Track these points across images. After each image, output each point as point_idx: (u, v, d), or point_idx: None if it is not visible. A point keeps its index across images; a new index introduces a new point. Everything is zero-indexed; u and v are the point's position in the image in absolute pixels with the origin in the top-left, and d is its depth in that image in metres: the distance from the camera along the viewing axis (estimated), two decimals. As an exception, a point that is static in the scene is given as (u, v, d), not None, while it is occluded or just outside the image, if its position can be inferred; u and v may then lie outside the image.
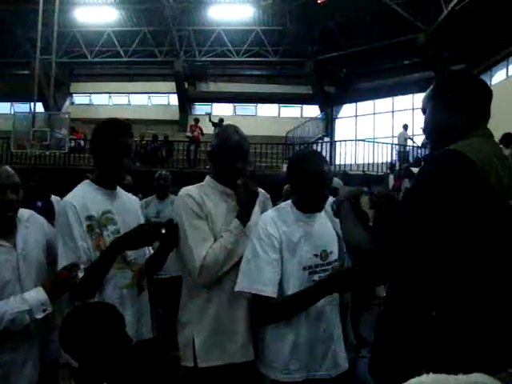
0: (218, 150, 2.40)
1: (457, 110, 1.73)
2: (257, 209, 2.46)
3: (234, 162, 2.35)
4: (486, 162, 1.56)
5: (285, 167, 16.25)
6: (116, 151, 2.33)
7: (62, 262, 2.16)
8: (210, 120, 17.24)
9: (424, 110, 1.87)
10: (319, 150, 17.60)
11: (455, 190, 1.53)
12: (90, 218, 2.26)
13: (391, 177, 14.20)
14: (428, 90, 1.86)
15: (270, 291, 2.16)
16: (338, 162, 17.54)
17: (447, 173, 1.56)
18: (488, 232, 1.57)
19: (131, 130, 2.46)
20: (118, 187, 2.51)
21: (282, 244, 2.24)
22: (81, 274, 2.13)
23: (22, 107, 21.10)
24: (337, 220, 2.22)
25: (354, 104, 21.10)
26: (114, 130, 2.38)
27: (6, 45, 19.33)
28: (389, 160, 15.92)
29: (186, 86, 21.80)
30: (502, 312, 1.59)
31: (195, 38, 20.56)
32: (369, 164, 15.94)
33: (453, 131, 1.72)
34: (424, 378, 0.71)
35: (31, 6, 17.26)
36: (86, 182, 2.42)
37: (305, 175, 2.27)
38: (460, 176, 1.54)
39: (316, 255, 2.29)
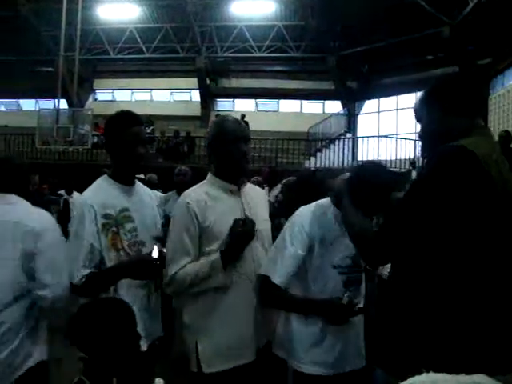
0: (215, 137, 2.37)
1: (451, 113, 1.77)
2: (264, 204, 2.53)
3: (233, 144, 2.30)
4: (487, 155, 1.62)
5: (307, 163, 16.25)
6: (127, 140, 2.32)
7: (69, 262, 2.24)
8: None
9: (419, 118, 1.90)
10: (341, 146, 17.52)
11: (459, 181, 1.59)
12: (106, 216, 2.26)
13: (414, 173, 14.05)
14: (419, 98, 1.90)
15: (278, 280, 2.23)
16: (360, 159, 17.44)
17: (452, 165, 1.61)
18: (490, 223, 1.62)
19: (140, 118, 2.47)
20: (137, 181, 2.51)
21: (315, 241, 2.26)
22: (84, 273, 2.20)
23: (47, 104, 21.35)
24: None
25: (376, 100, 20.89)
26: (122, 120, 2.39)
27: (30, 43, 19.55)
28: (412, 156, 15.75)
29: (208, 81, 21.82)
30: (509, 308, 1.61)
31: (217, 34, 20.55)
32: (391, 160, 15.80)
33: (450, 134, 1.74)
34: (424, 377, 0.68)
35: (55, 5, 17.41)
36: (104, 177, 2.41)
37: (371, 188, 2.21)
38: (464, 168, 1.59)
39: (349, 257, 2.29)
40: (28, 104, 23.68)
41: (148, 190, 2.64)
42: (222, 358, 2.24)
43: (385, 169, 2.44)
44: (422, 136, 1.90)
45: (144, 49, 21.07)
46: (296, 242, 2.25)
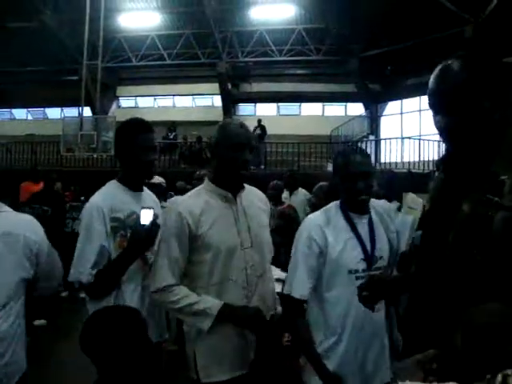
0: (217, 142, 2.37)
1: (498, 103, 1.55)
2: (264, 209, 2.52)
3: (233, 150, 2.29)
4: None
5: (330, 166, 16.16)
6: (136, 147, 2.36)
7: (79, 262, 2.30)
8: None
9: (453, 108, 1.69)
10: (364, 148, 17.40)
11: None
12: (116, 219, 2.31)
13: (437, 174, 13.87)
14: (458, 82, 1.63)
15: (298, 295, 2.24)
16: (383, 161, 17.31)
17: None
18: None
19: (149, 125, 2.47)
20: (145, 188, 2.56)
21: (328, 248, 2.23)
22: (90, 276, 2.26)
23: (72, 112, 21.66)
24: (392, 226, 2.34)
25: (399, 101, 20.71)
26: (131, 127, 2.42)
27: (54, 52, 19.87)
28: (435, 157, 15.57)
29: (230, 86, 21.89)
30: None
31: (237, 39, 20.62)
32: (415, 162, 15.65)
33: (495, 125, 1.56)
34: None
35: (78, 15, 17.69)
36: (113, 182, 2.45)
37: (336, 173, 2.33)
38: None
39: (363, 259, 2.24)
40: (53, 112, 24.07)
41: (154, 197, 2.68)
42: (219, 368, 2.22)
43: (356, 151, 2.41)
44: (458, 127, 1.59)
45: (165, 55, 21.24)
46: (306, 255, 2.24)
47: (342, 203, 2.33)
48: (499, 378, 0.56)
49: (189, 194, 2.41)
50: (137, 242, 2.28)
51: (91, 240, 2.26)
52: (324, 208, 2.40)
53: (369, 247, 2.26)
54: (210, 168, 2.44)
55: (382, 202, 2.65)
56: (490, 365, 1.27)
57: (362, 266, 2.23)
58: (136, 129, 2.40)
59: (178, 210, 2.26)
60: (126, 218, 2.33)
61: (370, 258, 2.24)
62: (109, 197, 2.35)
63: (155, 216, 2.30)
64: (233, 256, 2.24)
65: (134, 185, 2.44)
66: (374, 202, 2.40)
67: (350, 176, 2.23)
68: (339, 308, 2.23)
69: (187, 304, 2.18)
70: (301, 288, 2.24)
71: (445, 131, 1.61)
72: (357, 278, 2.20)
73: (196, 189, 2.43)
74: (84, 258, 2.26)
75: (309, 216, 2.43)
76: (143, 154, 2.37)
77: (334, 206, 2.36)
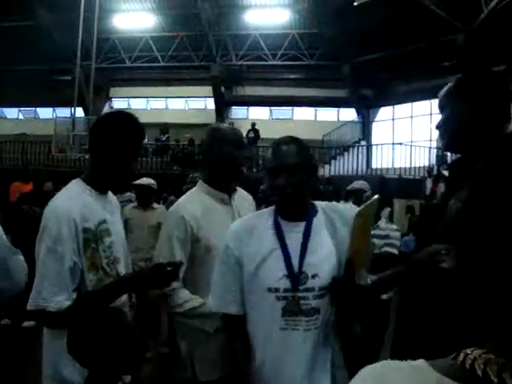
0: (212, 143, 2.36)
1: (484, 112, 1.71)
2: (252, 209, 2.48)
3: (230, 149, 2.31)
4: None
5: (322, 171, 16.23)
6: (130, 155, 2.03)
7: (42, 282, 1.82)
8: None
9: (442, 108, 1.84)
10: (356, 153, 17.47)
11: None
12: (87, 230, 1.91)
13: (429, 181, 13.96)
14: (448, 89, 1.84)
15: (213, 306, 1.95)
16: (374, 166, 17.39)
17: None
18: None
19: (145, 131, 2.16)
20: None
21: (243, 259, 1.86)
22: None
23: (64, 112, 21.59)
24: (343, 239, 1.85)
25: (391, 107, 20.84)
26: (131, 132, 2.04)
27: (48, 52, 19.80)
28: (427, 164, 15.67)
29: (223, 90, 21.91)
30: None
31: (232, 43, 20.67)
32: (406, 168, 15.72)
33: (481, 133, 1.70)
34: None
35: (72, 15, 17.66)
36: (77, 182, 2.04)
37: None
38: None
39: (286, 276, 1.80)
40: (45, 112, 23.96)
41: (115, 199, 2.26)
42: (217, 366, 2.20)
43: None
44: (448, 129, 1.82)
45: (159, 57, 21.24)
46: (222, 260, 1.93)
47: (276, 207, 1.95)
48: (461, 357, 0.58)
49: (186, 196, 2.39)
50: (152, 279, 1.99)
51: (62, 257, 1.82)
52: (258, 212, 2.17)
53: (296, 262, 1.81)
54: (204, 170, 2.43)
55: (343, 207, 2.44)
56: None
57: (285, 284, 1.79)
58: (135, 135, 2.05)
59: (181, 214, 2.24)
60: (97, 228, 1.95)
61: (295, 275, 1.79)
62: (77, 202, 1.93)
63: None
64: None
65: (103, 187, 2.05)
66: (331, 205, 2.03)
67: (270, 171, 1.85)
68: (259, 332, 1.86)
69: (191, 307, 2.19)
70: (216, 299, 1.93)
71: (437, 127, 1.85)
72: (278, 299, 1.79)
73: (192, 191, 2.40)
74: (52, 281, 1.80)
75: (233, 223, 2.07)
76: (134, 163, 2.05)
77: (269, 210, 1.96)
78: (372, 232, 4.60)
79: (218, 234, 2.19)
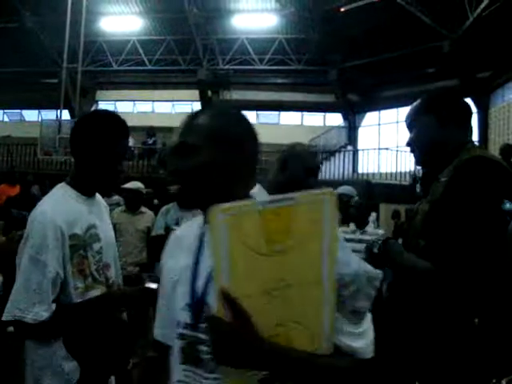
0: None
1: (450, 125, 1.80)
2: None
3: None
4: (503, 163, 1.67)
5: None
6: (115, 155, 1.94)
7: (21, 292, 1.74)
8: None
9: (410, 125, 1.92)
10: (342, 158, 17.55)
11: (500, 192, 1.59)
12: (74, 236, 1.84)
13: (418, 186, 14.03)
14: (416, 106, 1.92)
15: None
16: (360, 171, 17.48)
17: (493, 176, 1.62)
18: None
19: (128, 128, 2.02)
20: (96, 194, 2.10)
21: (163, 278, 1.39)
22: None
23: (50, 115, 21.43)
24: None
25: (377, 112, 20.97)
26: (117, 130, 1.96)
27: (34, 55, 19.69)
28: (412, 169, 15.77)
29: (210, 94, 21.90)
30: None
31: (219, 47, 20.69)
32: (392, 173, 15.82)
33: (447, 145, 1.79)
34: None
35: (59, 17, 17.57)
36: (62, 186, 1.98)
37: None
38: (499, 179, 1.61)
39: (189, 306, 1.23)
40: (31, 115, 23.79)
41: (103, 201, 2.16)
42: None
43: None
44: (416, 145, 1.91)
45: (146, 61, 21.20)
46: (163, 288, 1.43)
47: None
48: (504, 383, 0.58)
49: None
50: (130, 299, 1.89)
51: (44, 268, 1.74)
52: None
53: (200, 285, 1.21)
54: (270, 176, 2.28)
55: None
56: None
57: (186, 317, 1.23)
58: (119, 132, 1.96)
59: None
60: (85, 234, 1.88)
61: (195, 304, 1.21)
62: (63, 208, 1.85)
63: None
64: None
65: (89, 190, 1.98)
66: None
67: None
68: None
69: None
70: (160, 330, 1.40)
71: (407, 144, 1.95)
72: (178, 337, 1.25)
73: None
74: (31, 292, 1.73)
75: None
76: (119, 164, 1.95)
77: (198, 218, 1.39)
78: (359, 237, 4.61)
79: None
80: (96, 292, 1.88)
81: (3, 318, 1.75)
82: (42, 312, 1.71)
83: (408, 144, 1.94)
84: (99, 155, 1.90)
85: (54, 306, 1.75)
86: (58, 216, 1.80)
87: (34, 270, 1.74)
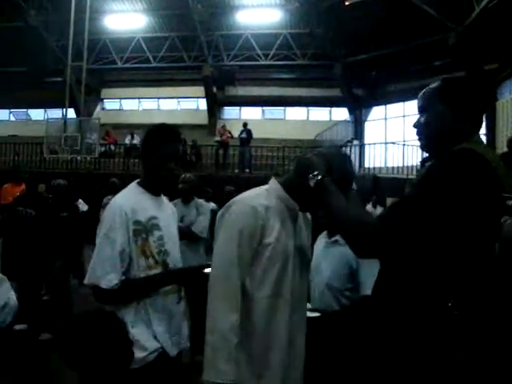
0: None
1: (463, 120, 1.76)
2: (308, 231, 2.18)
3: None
4: (493, 160, 1.65)
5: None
6: (159, 157, 2.32)
7: (97, 262, 2.17)
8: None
9: (422, 107, 1.87)
10: (348, 153, 17.50)
11: (475, 184, 1.58)
12: (137, 222, 2.25)
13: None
14: (432, 90, 1.85)
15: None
16: (367, 165, 17.43)
17: (467, 167, 1.60)
18: (495, 228, 1.69)
19: (179, 135, 2.45)
20: (163, 196, 2.51)
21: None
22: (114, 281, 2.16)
23: (55, 113, 21.49)
24: None
25: (383, 106, 20.87)
26: (159, 135, 2.37)
27: (39, 53, 19.72)
28: (419, 163, 15.71)
29: (215, 90, 21.90)
30: None
31: (223, 43, 20.66)
32: (398, 167, 15.76)
33: (455, 138, 1.74)
34: None
35: (63, 16, 17.59)
36: (134, 185, 2.42)
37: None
38: (480, 172, 1.59)
39: None
40: (37, 114, 23.86)
41: (171, 204, 2.65)
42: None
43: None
44: (423, 130, 1.86)
45: (151, 58, 21.20)
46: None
47: None
48: None
49: (256, 191, 2.01)
50: (186, 278, 2.36)
51: (113, 244, 2.17)
52: None
53: None
54: (287, 174, 2.04)
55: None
56: None
57: None
58: (160, 135, 2.37)
59: (252, 203, 1.88)
60: (147, 222, 2.28)
61: None
62: (131, 199, 2.30)
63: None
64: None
65: (153, 190, 2.39)
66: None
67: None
68: None
69: None
70: None
71: (414, 126, 1.89)
72: None
73: (262, 188, 2.01)
74: (104, 262, 2.16)
75: None
76: (166, 163, 2.31)
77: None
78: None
79: (282, 244, 1.94)
80: (156, 271, 2.26)
81: (84, 282, 2.21)
82: (113, 280, 2.13)
83: (415, 126, 1.89)
84: (147, 157, 2.36)
85: (123, 277, 2.17)
86: (125, 204, 2.25)
87: (106, 244, 2.18)
